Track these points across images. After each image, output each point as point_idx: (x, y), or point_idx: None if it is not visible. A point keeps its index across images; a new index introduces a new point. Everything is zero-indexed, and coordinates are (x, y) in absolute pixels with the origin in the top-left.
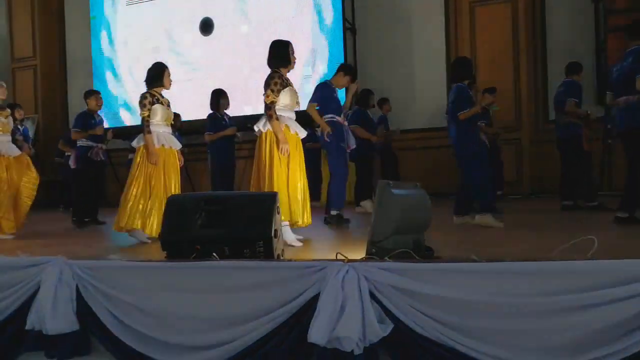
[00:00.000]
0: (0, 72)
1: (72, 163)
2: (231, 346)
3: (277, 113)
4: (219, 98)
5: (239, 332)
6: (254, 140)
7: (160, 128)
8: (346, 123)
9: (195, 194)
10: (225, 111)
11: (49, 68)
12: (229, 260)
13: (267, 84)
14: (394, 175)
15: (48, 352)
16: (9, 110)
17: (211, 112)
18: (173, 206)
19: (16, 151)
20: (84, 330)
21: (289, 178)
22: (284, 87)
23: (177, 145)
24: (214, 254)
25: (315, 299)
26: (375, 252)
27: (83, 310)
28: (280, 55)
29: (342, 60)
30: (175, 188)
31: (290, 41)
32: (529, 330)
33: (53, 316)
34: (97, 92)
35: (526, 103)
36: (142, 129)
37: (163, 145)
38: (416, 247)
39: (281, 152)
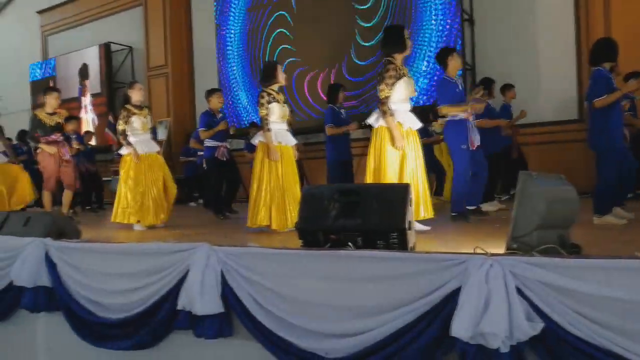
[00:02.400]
0: (138, 79)
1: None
2: (368, 336)
3: (392, 107)
4: (337, 92)
5: (375, 323)
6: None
7: (277, 126)
8: (472, 117)
9: (330, 186)
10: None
11: (179, 75)
12: (365, 250)
13: (382, 77)
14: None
15: (196, 331)
16: (147, 110)
17: (330, 106)
18: (309, 197)
19: (155, 148)
20: (228, 312)
21: (405, 173)
22: (399, 78)
23: (292, 142)
24: (350, 243)
25: (455, 292)
26: (517, 247)
27: (227, 293)
28: (395, 40)
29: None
30: (294, 182)
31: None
32: None
33: (201, 298)
34: (218, 90)
35: None
36: (261, 126)
37: (280, 142)
38: (561, 243)
39: (396, 148)
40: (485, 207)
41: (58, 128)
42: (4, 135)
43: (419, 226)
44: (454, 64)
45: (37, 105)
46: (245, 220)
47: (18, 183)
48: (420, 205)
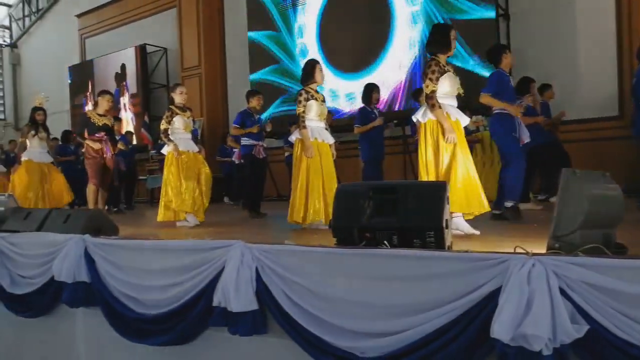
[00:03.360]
0: (172, 80)
1: (235, 158)
2: (404, 336)
3: (439, 101)
4: (371, 92)
5: (412, 322)
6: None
7: (313, 123)
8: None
9: (364, 183)
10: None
11: (212, 75)
12: (402, 249)
13: (425, 74)
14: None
15: (231, 328)
16: (190, 112)
17: (362, 105)
18: (343, 194)
19: (195, 147)
20: (262, 309)
21: (458, 167)
22: (442, 73)
23: (330, 140)
24: (385, 242)
25: (495, 293)
26: (560, 247)
27: (262, 290)
28: (440, 40)
29: None
30: (331, 178)
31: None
32: None
33: (236, 295)
34: (259, 93)
35: None
36: (298, 123)
37: (316, 138)
38: (606, 243)
39: (447, 141)
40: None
41: (105, 129)
42: (50, 136)
43: (467, 228)
44: (507, 61)
45: (76, 105)
46: (277, 218)
47: (54, 184)
48: (473, 200)
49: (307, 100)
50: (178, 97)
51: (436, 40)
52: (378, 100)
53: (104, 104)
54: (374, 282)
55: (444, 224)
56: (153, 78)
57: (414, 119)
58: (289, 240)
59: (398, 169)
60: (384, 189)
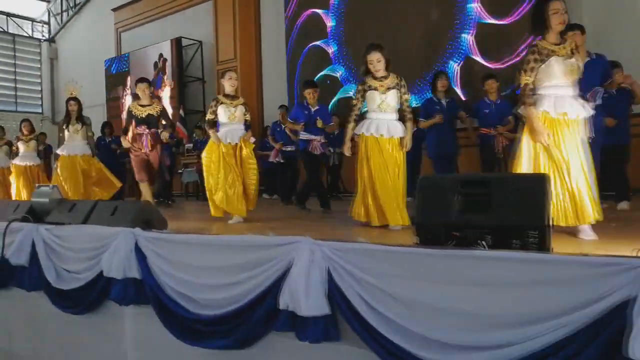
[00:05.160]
0: (207, 73)
1: (272, 157)
2: (507, 351)
3: (539, 93)
4: (436, 79)
5: (517, 336)
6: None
7: (374, 115)
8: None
9: (452, 175)
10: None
11: (248, 69)
12: (501, 251)
13: (520, 62)
14: None
15: (299, 334)
16: (240, 100)
17: (428, 97)
18: (428, 188)
19: (236, 139)
20: (335, 314)
21: (562, 167)
22: (542, 61)
23: (389, 133)
24: (482, 242)
25: (624, 305)
26: None
27: (334, 293)
28: (533, 19)
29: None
30: (387, 174)
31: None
32: None
33: (306, 297)
34: (310, 85)
35: None
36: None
37: (372, 133)
38: None
39: (539, 142)
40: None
41: (148, 121)
42: (87, 126)
43: (588, 233)
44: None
45: (111, 99)
46: (333, 215)
47: (97, 176)
48: (587, 205)
49: (365, 91)
50: (227, 84)
51: (532, 22)
52: (445, 87)
53: (140, 92)
54: (469, 288)
55: (549, 222)
56: (188, 71)
57: (515, 112)
58: (363, 238)
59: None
60: (475, 181)
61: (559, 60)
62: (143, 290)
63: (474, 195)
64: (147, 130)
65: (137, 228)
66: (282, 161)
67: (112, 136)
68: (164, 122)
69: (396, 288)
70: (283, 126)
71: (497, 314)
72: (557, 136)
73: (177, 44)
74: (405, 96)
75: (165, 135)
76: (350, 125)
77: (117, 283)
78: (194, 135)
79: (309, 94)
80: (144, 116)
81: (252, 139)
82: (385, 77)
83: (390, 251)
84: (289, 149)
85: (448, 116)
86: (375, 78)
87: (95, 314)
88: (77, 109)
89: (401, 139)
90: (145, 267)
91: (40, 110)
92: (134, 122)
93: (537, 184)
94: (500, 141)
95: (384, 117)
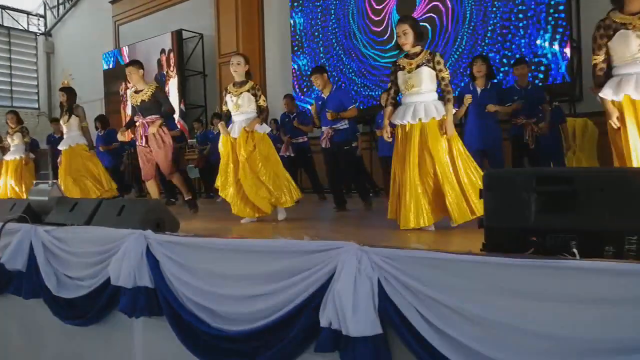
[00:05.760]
0: (209, 67)
1: (282, 151)
2: None
3: (613, 73)
4: (471, 65)
5: None
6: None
7: (408, 99)
8: None
9: (525, 170)
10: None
11: (250, 62)
12: (594, 261)
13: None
14: None
15: (345, 356)
16: (248, 85)
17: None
18: (495, 184)
19: (236, 134)
20: (386, 334)
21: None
22: (608, 37)
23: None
24: (574, 249)
25: None
26: None
27: (387, 309)
28: None
29: None
30: (415, 169)
31: None
32: None
33: (354, 314)
34: (316, 71)
35: None
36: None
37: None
38: None
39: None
40: None
41: (142, 107)
42: (84, 119)
43: None
44: None
45: (110, 93)
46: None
47: (96, 171)
48: None
49: (396, 71)
50: (231, 71)
51: None
52: (482, 72)
53: (129, 77)
54: (556, 305)
55: None
56: (189, 65)
57: (602, 95)
58: (420, 244)
59: None
60: (554, 177)
61: (625, 35)
62: (156, 300)
63: (554, 193)
64: (142, 120)
65: (148, 230)
66: (292, 155)
67: (105, 130)
68: (163, 107)
69: (464, 304)
70: (291, 115)
71: (592, 337)
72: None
73: (177, 36)
74: (442, 74)
75: (152, 129)
76: (387, 109)
77: (127, 292)
78: (195, 129)
79: (315, 80)
80: (138, 103)
81: (259, 128)
82: (417, 54)
83: (455, 260)
84: (299, 140)
85: (481, 105)
86: (407, 56)
87: (101, 326)
88: (66, 100)
89: (439, 122)
90: (159, 274)
91: (36, 106)
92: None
93: (635, 180)
94: (530, 130)
95: (410, 100)
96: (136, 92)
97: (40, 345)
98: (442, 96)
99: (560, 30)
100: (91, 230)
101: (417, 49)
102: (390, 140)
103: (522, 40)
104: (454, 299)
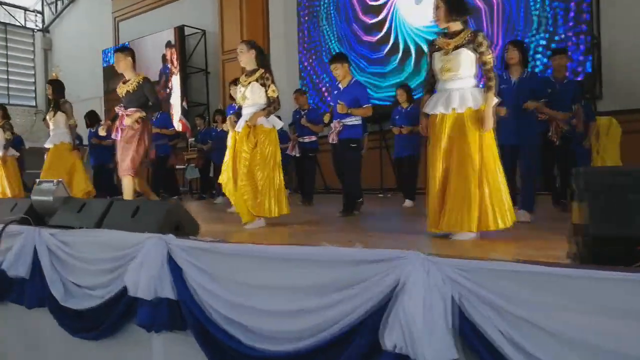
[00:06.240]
0: (211, 63)
1: (289, 150)
2: None
3: None
4: (503, 52)
5: None
6: None
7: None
8: None
9: (631, 169)
10: None
11: None
12: None
13: None
14: None
15: None
16: (257, 75)
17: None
18: (596, 186)
19: (239, 129)
20: (465, 358)
21: None
22: None
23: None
24: None
25: None
26: None
27: (466, 330)
28: None
29: None
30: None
31: None
32: None
33: (429, 337)
34: (335, 60)
35: None
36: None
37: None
38: None
39: None
40: None
41: (127, 99)
42: (71, 115)
43: None
44: None
45: (109, 90)
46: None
47: (75, 173)
48: None
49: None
50: (240, 62)
51: None
52: (515, 59)
53: (116, 66)
54: None
55: None
56: (191, 62)
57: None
58: (496, 253)
59: None
60: None
61: None
62: (179, 312)
63: None
64: (122, 111)
65: (169, 235)
66: (297, 155)
67: (94, 127)
68: (150, 102)
69: (560, 325)
70: (302, 112)
71: None
72: None
73: (180, 32)
74: (484, 57)
75: (128, 120)
76: (424, 97)
77: (146, 304)
78: (197, 126)
79: (334, 70)
80: (123, 94)
81: (265, 122)
82: (457, 33)
83: (546, 273)
84: (306, 140)
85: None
86: (445, 34)
87: (114, 340)
88: (52, 93)
89: (475, 111)
90: (182, 284)
91: (34, 104)
92: None
93: None
94: (555, 126)
95: (444, 87)
96: (124, 82)
97: (43, 359)
98: (485, 82)
99: (585, 28)
100: (102, 234)
101: (457, 26)
102: (425, 132)
103: (546, 35)
104: (547, 319)
